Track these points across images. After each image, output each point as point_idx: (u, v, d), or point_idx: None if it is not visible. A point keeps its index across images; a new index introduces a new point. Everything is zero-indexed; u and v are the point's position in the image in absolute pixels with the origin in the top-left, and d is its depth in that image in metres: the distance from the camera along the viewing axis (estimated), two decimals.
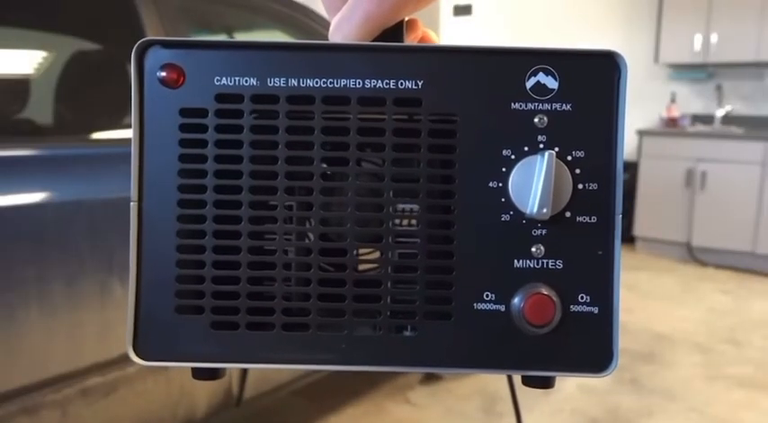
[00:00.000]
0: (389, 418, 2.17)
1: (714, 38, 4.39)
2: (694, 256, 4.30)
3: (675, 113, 4.72)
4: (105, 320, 1.37)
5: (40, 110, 1.63)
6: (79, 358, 1.35)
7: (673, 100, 4.78)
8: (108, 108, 1.64)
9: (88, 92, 1.67)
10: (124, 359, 1.41)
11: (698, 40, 4.46)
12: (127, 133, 1.71)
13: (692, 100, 4.83)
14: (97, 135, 1.62)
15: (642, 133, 4.55)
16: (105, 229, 1.36)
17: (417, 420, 2.18)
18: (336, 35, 0.33)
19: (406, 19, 0.35)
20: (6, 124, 1.50)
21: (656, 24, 4.74)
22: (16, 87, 1.57)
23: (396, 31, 0.34)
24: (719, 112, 4.63)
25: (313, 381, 1.95)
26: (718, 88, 4.68)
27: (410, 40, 0.37)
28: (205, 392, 1.58)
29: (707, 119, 4.72)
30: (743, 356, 2.77)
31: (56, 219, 1.31)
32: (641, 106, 4.70)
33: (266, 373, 1.71)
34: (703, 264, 4.24)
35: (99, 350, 1.38)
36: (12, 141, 1.38)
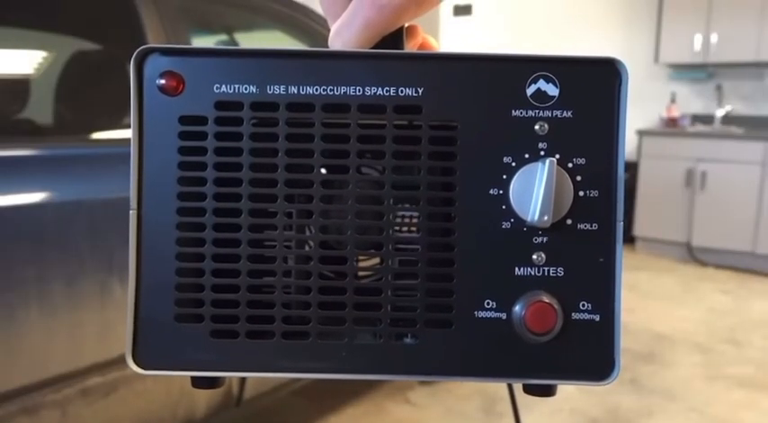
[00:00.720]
0: (389, 418, 2.17)
1: (714, 38, 4.39)
2: (694, 256, 4.30)
3: (675, 113, 4.72)
4: (105, 320, 1.37)
5: (40, 110, 1.63)
6: (79, 358, 1.35)
7: (673, 100, 4.78)
8: (108, 108, 1.64)
9: (88, 92, 1.67)
10: (124, 359, 1.41)
11: (698, 40, 4.46)
12: (127, 133, 1.70)
13: (692, 100, 4.83)
14: (97, 135, 1.62)
15: (642, 133, 4.55)
16: (105, 229, 1.36)
17: (417, 420, 2.18)
18: (336, 42, 0.33)
19: (406, 25, 0.35)
20: (6, 124, 1.50)
21: (656, 24, 4.73)
22: (16, 87, 1.57)
23: (396, 37, 0.34)
24: (719, 112, 4.62)
25: (313, 381, 1.95)
26: (718, 88, 4.68)
27: (410, 46, 0.37)
28: (205, 393, 1.58)
29: (707, 119, 4.72)
30: (743, 356, 2.77)
31: (56, 219, 1.31)
32: (641, 106, 4.69)
33: None
34: (703, 264, 4.24)
35: (99, 350, 1.38)
36: (12, 141, 1.38)
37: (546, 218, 0.32)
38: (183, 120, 0.33)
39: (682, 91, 4.82)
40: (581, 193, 0.33)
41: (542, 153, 0.32)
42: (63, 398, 1.32)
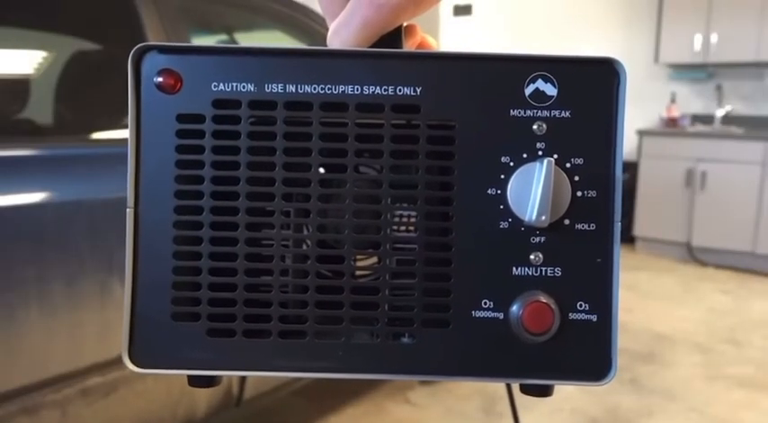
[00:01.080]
0: (389, 418, 2.17)
1: (714, 38, 4.39)
2: (694, 256, 4.30)
3: (675, 113, 4.72)
4: (105, 320, 1.37)
5: (40, 110, 1.63)
6: (79, 358, 1.35)
7: (673, 100, 4.77)
8: (108, 108, 1.64)
9: (88, 92, 1.67)
10: None
11: (698, 40, 4.45)
12: (127, 133, 1.70)
13: (692, 100, 4.83)
14: (97, 135, 1.62)
15: (642, 133, 4.55)
16: (105, 229, 1.36)
17: (417, 420, 2.18)
18: (334, 41, 0.33)
19: (405, 24, 0.35)
20: (6, 124, 1.50)
21: (656, 24, 4.73)
22: (16, 87, 1.57)
23: (394, 36, 0.34)
24: (719, 112, 4.62)
25: (313, 381, 1.95)
26: (718, 88, 4.68)
27: (408, 45, 0.37)
28: (205, 393, 1.58)
29: (707, 119, 4.72)
30: (743, 356, 2.77)
31: (56, 219, 1.31)
32: (641, 106, 4.69)
33: None
34: (703, 264, 4.24)
35: (99, 350, 1.38)
36: (12, 141, 1.38)
37: (544, 218, 0.31)
38: (181, 118, 0.32)
39: (682, 91, 4.82)
40: (579, 194, 0.32)
41: (540, 153, 0.32)
42: (63, 398, 1.32)
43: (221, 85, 0.32)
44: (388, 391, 2.31)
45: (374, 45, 0.33)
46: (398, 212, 0.34)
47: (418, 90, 0.32)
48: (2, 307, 1.22)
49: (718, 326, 3.12)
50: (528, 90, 0.33)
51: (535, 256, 0.33)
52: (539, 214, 0.31)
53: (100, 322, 1.37)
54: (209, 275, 0.33)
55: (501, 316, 0.33)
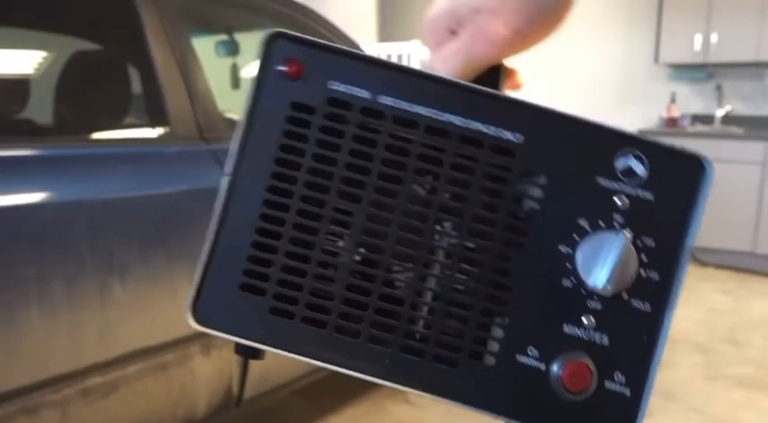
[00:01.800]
0: (389, 418, 2.17)
1: (714, 38, 4.39)
2: (694, 256, 4.30)
3: (675, 113, 4.72)
4: (105, 320, 1.37)
5: (40, 110, 1.63)
6: (79, 358, 1.35)
7: (673, 100, 4.78)
8: (108, 108, 1.64)
9: (88, 92, 1.67)
10: (124, 359, 1.42)
11: (698, 40, 4.46)
12: (126, 133, 1.71)
13: (692, 100, 4.83)
14: (97, 135, 1.62)
15: (642, 133, 4.54)
16: (105, 229, 1.36)
17: (417, 420, 2.18)
18: (438, 65, 0.35)
19: (506, 66, 0.37)
20: (6, 124, 1.50)
21: (656, 24, 4.74)
22: (16, 87, 1.58)
23: (494, 72, 0.36)
24: (719, 112, 4.63)
25: (313, 381, 1.95)
26: (718, 88, 4.68)
27: (506, 85, 0.39)
28: (205, 392, 1.58)
29: (707, 119, 4.72)
30: (743, 356, 2.77)
31: (56, 219, 1.31)
32: (641, 106, 4.69)
33: (266, 373, 1.71)
34: (703, 264, 4.24)
35: (99, 350, 1.38)
36: (12, 141, 1.38)
37: (609, 287, 0.33)
38: (295, 106, 0.34)
39: (682, 91, 4.82)
40: (643, 273, 0.34)
41: (617, 225, 0.34)
42: (63, 398, 1.32)
43: (339, 85, 0.34)
44: (388, 391, 2.31)
45: (473, 78, 0.35)
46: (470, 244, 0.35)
47: (519, 137, 0.34)
48: (2, 307, 1.22)
49: (718, 326, 3.13)
50: (619, 164, 0.34)
51: (588, 320, 0.34)
52: (605, 283, 0.33)
53: (100, 322, 1.37)
54: (285, 258, 0.34)
55: (542, 367, 0.34)
